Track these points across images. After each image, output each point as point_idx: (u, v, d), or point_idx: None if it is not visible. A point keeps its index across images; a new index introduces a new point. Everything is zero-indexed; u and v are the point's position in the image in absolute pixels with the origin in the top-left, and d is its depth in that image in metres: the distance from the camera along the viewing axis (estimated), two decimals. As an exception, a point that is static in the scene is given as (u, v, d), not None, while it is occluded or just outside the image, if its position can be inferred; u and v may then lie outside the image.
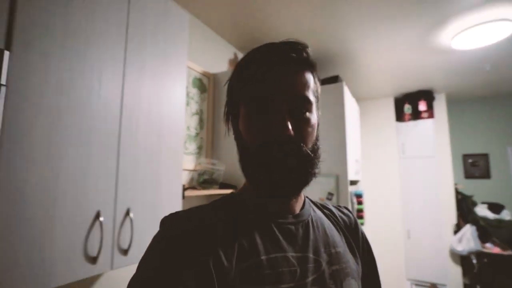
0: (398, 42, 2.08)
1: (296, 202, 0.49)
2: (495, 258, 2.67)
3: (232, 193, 0.51)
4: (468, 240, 2.79)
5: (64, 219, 0.71)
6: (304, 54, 0.44)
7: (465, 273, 2.90)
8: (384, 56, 2.32)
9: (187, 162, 1.61)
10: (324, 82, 2.30)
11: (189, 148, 1.65)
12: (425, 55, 2.28)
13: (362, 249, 0.56)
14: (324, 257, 0.46)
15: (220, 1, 1.61)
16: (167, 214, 0.43)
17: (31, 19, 0.68)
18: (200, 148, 1.73)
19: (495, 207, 3.04)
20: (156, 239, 0.41)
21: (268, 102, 0.42)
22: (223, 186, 1.61)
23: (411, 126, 3.26)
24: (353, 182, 2.49)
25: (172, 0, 1.15)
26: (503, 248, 2.77)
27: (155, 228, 0.87)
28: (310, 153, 0.43)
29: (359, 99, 3.46)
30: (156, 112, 1.02)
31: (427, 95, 3.17)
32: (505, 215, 2.94)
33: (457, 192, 3.13)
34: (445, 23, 1.81)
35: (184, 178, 1.57)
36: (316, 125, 0.47)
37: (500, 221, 2.87)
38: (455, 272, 2.90)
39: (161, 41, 1.07)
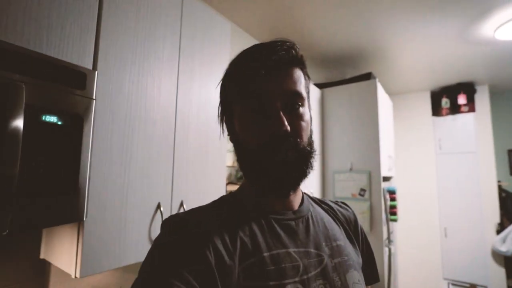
0: (436, 34, 2.02)
1: (295, 198, 0.50)
2: (544, 260, 2.51)
3: (231, 192, 0.52)
4: (512, 240, 2.64)
5: (134, 207, 0.85)
6: (293, 52, 0.45)
7: (509, 275, 2.75)
8: (420, 50, 2.26)
9: (227, 160, 1.73)
10: (356, 79, 2.30)
11: (227, 146, 1.77)
12: (465, 47, 2.19)
13: (362, 242, 0.58)
14: (325, 250, 0.47)
15: (258, 7, 1.69)
16: (172, 214, 0.46)
17: (110, 43, 0.81)
18: (236, 145, 1.84)
19: (545, 207, 2.84)
20: (157, 242, 0.41)
21: (262, 100, 0.43)
22: (258, 181, 1.71)
23: (448, 120, 3.13)
24: (386, 178, 2.47)
25: (215, 11, 1.25)
26: (553, 250, 2.59)
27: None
28: (306, 146, 0.45)
29: (392, 93, 3.38)
30: (204, 115, 1.14)
31: (468, 88, 3.02)
32: (556, 215, 2.74)
33: (501, 190, 2.96)
34: (488, 14, 1.73)
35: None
36: (309, 120, 0.47)
37: (550, 222, 2.68)
38: (498, 274, 2.77)
39: (206, 50, 1.18)
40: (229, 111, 0.49)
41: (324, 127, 2.38)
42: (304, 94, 0.46)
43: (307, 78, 0.49)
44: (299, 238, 0.46)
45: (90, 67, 0.76)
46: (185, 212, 0.46)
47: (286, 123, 0.41)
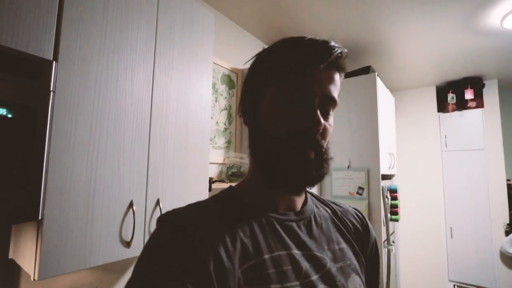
0: (439, 26, 1.92)
1: (299, 199, 0.48)
2: (556, 263, 2.38)
3: (230, 187, 0.49)
4: (522, 241, 2.52)
5: (102, 207, 0.81)
6: (343, 58, 0.44)
7: (518, 278, 2.63)
8: (423, 42, 2.16)
9: (217, 156, 1.68)
10: (354, 73, 2.22)
11: (218, 143, 1.72)
12: (471, 38, 2.08)
13: (370, 251, 0.55)
14: (328, 254, 0.45)
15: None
16: (168, 211, 0.43)
17: (75, 33, 0.77)
18: (229, 142, 1.79)
19: (558, 207, 2.70)
20: (153, 240, 0.39)
21: (303, 92, 0.42)
22: (250, 179, 1.65)
23: (455, 117, 3.00)
24: (387, 177, 2.38)
25: (198, 1, 1.19)
26: None
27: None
28: (328, 151, 0.44)
29: (396, 89, 3.27)
30: (184, 109, 1.09)
31: (475, 83, 2.89)
32: None
33: (510, 188, 2.83)
34: (494, 1, 1.63)
35: (214, 172, 1.64)
36: (332, 127, 0.47)
37: None
38: (507, 276, 2.65)
39: (187, 42, 1.13)
40: (257, 92, 0.46)
41: (322, 123, 2.30)
42: (337, 101, 0.45)
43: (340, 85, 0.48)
44: (301, 240, 0.44)
45: (50, 57, 0.72)
46: (183, 208, 0.43)
47: (322, 122, 0.41)
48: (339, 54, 0.43)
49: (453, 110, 3.01)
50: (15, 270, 0.88)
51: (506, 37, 2.03)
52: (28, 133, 0.63)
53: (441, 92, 3.09)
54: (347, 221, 0.54)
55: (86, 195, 0.77)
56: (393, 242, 2.31)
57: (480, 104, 2.90)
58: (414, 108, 3.25)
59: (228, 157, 1.71)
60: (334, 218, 0.53)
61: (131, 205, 0.88)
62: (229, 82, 1.84)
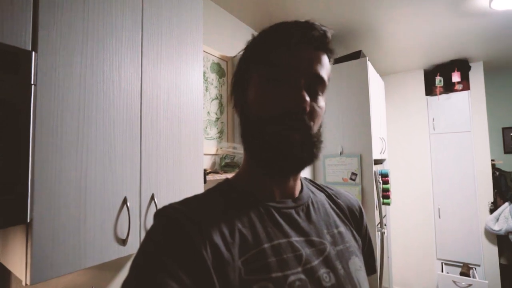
0: (429, 8, 1.91)
1: (295, 185, 0.48)
2: (536, 237, 2.51)
3: (227, 179, 0.49)
4: (506, 219, 2.63)
5: (95, 205, 0.77)
6: (328, 38, 0.43)
7: (501, 254, 2.76)
8: (412, 26, 2.15)
9: (209, 147, 1.65)
10: (346, 58, 2.20)
11: (210, 133, 1.68)
12: (459, 20, 2.08)
13: (364, 232, 0.55)
14: (327, 238, 0.46)
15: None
16: (165, 205, 0.42)
17: (54, 20, 0.71)
18: (221, 132, 1.76)
19: (539, 184, 2.82)
20: (150, 236, 0.38)
21: (286, 72, 0.41)
22: (244, 169, 1.63)
23: (442, 99, 3.05)
24: (378, 161, 2.42)
25: (184, -15, 1.13)
26: (545, 227, 2.59)
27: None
28: (317, 133, 0.44)
29: (385, 73, 3.27)
30: (175, 99, 1.05)
31: (462, 65, 2.92)
32: (549, 192, 2.73)
33: (494, 169, 2.93)
34: (483, -17, 1.62)
35: (207, 163, 1.61)
36: (324, 109, 0.45)
37: (543, 199, 2.67)
38: (491, 253, 2.78)
39: (175, 30, 1.07)
40: (244, 80, 0.46)
41: (313, 110, 2.29)
42: (326, 82, 0.44)
43: (330, 68, 0.47)
44: (300, 226, 0.44)
45: (29, 47, 0.66)
46: (180, 202, 0.43)
47: (308, 100, 0.40)
48: (322, 32, 0.42)
49: (440, 93, 3.05)
50: (5, 274, 0.84)
51: (494, 18, 2.04)
52: (10, 131, 0.58)
53: (429, 76, 3.12)
54: (342, 204, 0.55)
55: (77, 194, 0.73)
56: (385, 225, 2.36)
57: (466, 87, 2.95)
58: (402, 92, 3.27)
59: (221, 148, 1.68)
60: (330, 202, 0.54)
61: (125, 201, 0.84)
62: (219, 71, 1.79)
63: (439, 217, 3.03)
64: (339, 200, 0.55)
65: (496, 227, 2.66)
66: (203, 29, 1.20)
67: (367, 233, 0.57)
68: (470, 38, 2.41)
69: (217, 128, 1.74)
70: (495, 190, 2.87)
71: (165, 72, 1.02)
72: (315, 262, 0.41)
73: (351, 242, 0.49)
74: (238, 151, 1.65)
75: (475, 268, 2.81)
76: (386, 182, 2.27)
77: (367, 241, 0.56)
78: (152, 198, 0.93)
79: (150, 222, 0.92)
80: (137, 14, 0.93)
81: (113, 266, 1.12)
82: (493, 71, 3.22)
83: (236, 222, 0.40)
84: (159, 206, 0.94)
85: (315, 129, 0.43)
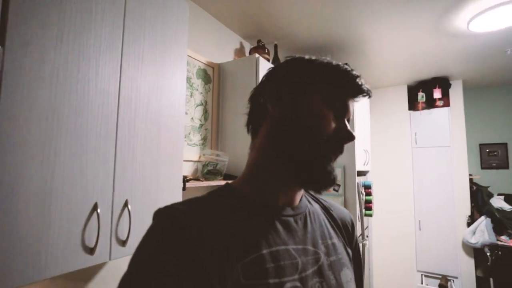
0: (411, 27, 1.98)
1: (299, 195, 0.50)
2: (510, 251, 2.58)
3: (227, 183, 0.50)
4: (482, 232, 2.70)
5: (60, 210, 0.72)
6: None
7: (477, 266, 2.82)
8: (396, 43, 2.22)
9: (192, 153, 1.61)
10: (332, 70, 2.23)
11: (194, 140, 1.65)
12: (440, 39, 2.17)
13: (354, 245, 0.57)
14: (322, 248, 0.47)
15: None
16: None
17: (25, 14, 0.67)
18: (204, 139, 1.73)
19: (512, 199, 2.92)
20: (149, 233, 0.39)
21: (345, 108, 0.47)
22: (227, 177, 1.61)
23: (424, 115, 3.14)
24: (362, 173, 2.44)
25: (170, -12, 1.12)
26: (519, 241, 2.67)
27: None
28: None
29: (370, 87, 3.35)
30: (155, 102, 1.02)
31: (443, 82, 3.03)
32: (523, 207, 2.83)
33: (472, 183, 3.02)
34: (462, 4, 1.70)
35: (189, 170, 1.57)
36: None
37: (517, 213, 2.76)
38: (468, 265, 2.83)
39: (159, 32, 1.05)
40: (297, 91, 0.48)
41: (299, 120, 2.30)
42: None
43: None
44: (298, 235, 0.45)
45: (-5, 41, 0.62)
46: (182, 203, 0.43)
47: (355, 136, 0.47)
48: (366, 95, 0.49)
49: (422, 109, 3.14)
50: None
51: (472, 39, 2.14)
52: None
53: (412, 91, 3.22)
54: (336, 216, 0.56)
55: (40, 198, 0.68)
56: (367, 236, 2.37)
57: (446, 103, 3.05)
58: (387, 106, 3.36)
59: (203, 155, 1.64)
60: (325, 213, 0.55)
61: (95, 207, 0.80)
62: (205, 77, 1.77)
63: (420, 229, 3.08)
64: (333, 213, 0.57)
65: (472, 240, 2.72)
66: (190, 35, 1.19)
67: (356, 247, 0.58)
68: (450, 57, 2.51)
69: (201, 135, 1.71)
70: (472, 204, 2.95)
71: (146, 74, 0.99)
72: (310, 271, 0.43)
73: (343, 254, 0.50)
74: (221, 158, 1.62)
75: (453, 280, 2.85)
76: (369, 194, 2.29)
77: (356, 255, 0.57)
78: (126, 204, 0.89)
79: (122, 229, 0.88)
80: (119, 11, 0.90)
81: (81, 276, 1.05)
82: (471, 89, 3.36)
83: (236, 226, 0.41)
84: (134, 213, 0.90)
85: None
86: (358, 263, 0.57)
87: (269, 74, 0.52)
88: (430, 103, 3.10)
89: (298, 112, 0.46)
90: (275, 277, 0.38)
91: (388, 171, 3.28)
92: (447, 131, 3.03)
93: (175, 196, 1.07)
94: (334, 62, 0.50)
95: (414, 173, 3.17)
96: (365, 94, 0.49)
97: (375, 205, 3.18)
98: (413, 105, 3.22)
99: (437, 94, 3.02)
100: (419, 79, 3.11)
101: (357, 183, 2.06)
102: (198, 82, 1.71)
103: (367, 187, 2.27)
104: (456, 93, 3.08)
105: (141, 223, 0.93)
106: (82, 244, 0.77)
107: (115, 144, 0.87)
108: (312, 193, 0.58)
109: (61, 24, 0.75)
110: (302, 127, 0.46)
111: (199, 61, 1.71)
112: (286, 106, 0.47)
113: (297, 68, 0.50)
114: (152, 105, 1.00)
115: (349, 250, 0.54)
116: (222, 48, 1.95)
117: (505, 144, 3.24)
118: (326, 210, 0.56)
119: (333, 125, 0.46)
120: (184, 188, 1.16)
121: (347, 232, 0.56)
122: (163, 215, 0.40)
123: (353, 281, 0.49)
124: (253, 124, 0.52)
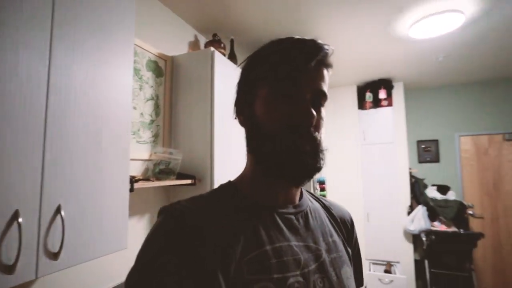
0: (361, 31, 2.09)
1: (297, 192, 0.50)
2: (441, 235, 2.91)
3: (230, 182, 0.51)
4: (419, 220, 3.00)
5: (-33, 222, 0.59)
6: (330, 56, 0.48)
7: (415, 250, 3.14)
8: (348, 44, 2.33)
9: (141, 152, 1.49)
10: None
11: (143, 137, 1.52)
12: (386, 44, 2.33)
13: (354, 243, 0.58)
14: (323, 245, 0.48)
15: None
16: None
17: None
18: (156, 136, 1.61)
19: (443, 189, 3.30)
20: (153, 233, 0.40)
21: (295, 88, 0.44)
22: (181, 176, 1.51)
23: (371, 113, 3.38)
24: (316, 169, 2.52)
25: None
26: (448, 226, 3.03)
27: (95, 226, 0.77)
28: (322, 143, 0.46)
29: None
30: (96, 93, 0.90)
31: (387, 84, 3.29)
32: (450, 195, 3.21)
33: (411, 176, 3.34)
34: (404, 12, 1.84)
35: (137, 169, 1.45)
36: (325, 119, 0.49)
37: (446, 201, 3.13)
38: (408, 250, 3.12)
39: (100, 14, 0.93)
40: (250, 93, 0.48)
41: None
42: (327, 95, 0.47)
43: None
44: (300, 232, 0.46)
45: None
46: (187, 200, 0.45)
47: (315, 114, 0.43)
48: (327, 52, 0.46)
49: (370, 108, 3.37)
50: None
51: (411, 45, 2.34)
52: None
53: (361, 91, 3.44)
54: (336, 215, 0.57)
55: None
56: (321, 230, 2.46)
57: (390, 103, 3.32)
58: (339, 105, 3.53)
59: (155, 153, 1.53)
60: (325, 212, 0.56)
61: (15, 216, 0.67)
62: (156, 69, 1.65)
63: (368, 221, 3.31)
64: (333, 212, 0.57)
65: (411, 228, 3.01)
66: (141, 24, 1.08)
67: (356, 245, 0.59)
68: (393, 60, 2.72)
69: (152, 132, 1.58)
70: (412, 195, 3.26)
71: (83, 60, 0.86)
72: (312, 267, 0.43)
73: (343, 251, 0.51)
74: (175, 156, 1.52)
75: (396, 265, 3.12)
76: (323, 189, 2.38)
77: (356, 253, 0.58)
78: (58, 210, 0.76)
79: (53, 240, 0.75)
80: (46, -12, 0.77)
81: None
82: (411, 91, 3.70)
83: (240, 224, 0.42)
84: (69, 219, 0.78)
85: (320, 138, 0.46)
86: (358, 261, 0.58)
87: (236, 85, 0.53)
88: (376, 103, 3.34)
89: (255, 114, 0.47)
90: (278, 272, 0.39)
91: (340, 167, 3.46)
92: (390, 129, 3.30)
93: (121, 198, 0.96)
94: (277, 40, 0.48)
95: (363, 168, 3.39)
96: (319, 50, 0.45)
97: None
98: (362, 104, 3.44)
99: (382, 94, 3.27)
100: (367, 80, 3.33)
101: (312, 179, 2.12)
102: (148, 75, 1.58)
103: (321, 183, 2.36)
104: (398, 94, 3.36)
105: (79, 231, 0.81)
106: (-1, 260, 0.63)
107: (43, 141, 0.74)
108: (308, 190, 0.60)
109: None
110: (257, 128, 0.46)
111: (149, 52, 1.58)
112: (247, 113, 0.49)
113: (246, 69, 0.50)
114: (92, 97, 0.88)
115: (349, 249, 0.54)
116: (175, 40, 1.84)
117: (436, 141, 3.64)
118: (326, 209, 0.57)
119: (288, 113, 0.43)
120: (132, 190, 1.05)
121: (346, 231, 0.57)
122: (167, 214, 0.41)
123: (352, 278, 0.50)
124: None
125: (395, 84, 3.35)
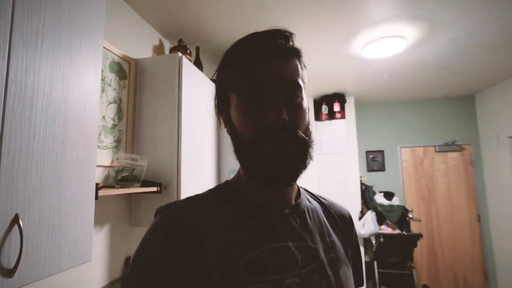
0: (318, 48, 2.26)
1: (292, 192, 0.50)
2: (389, 237, 3.20)
3: (227, 182, 0.51)
4: (369, 224, 3.26)
5: None
6: (291, 42, 0.45)
7: (365, 253, 3.38)
8: (307, 59, 2.43)
9: (103, 157, 1.38)
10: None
11: (105, 142, 1.42)
12: (340, 61, 2.55)
13: (353, 243, 0.57)
14: (321, 245, 0.47)
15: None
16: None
17: None
18: (118, 141, 1.51)
19: (388, 195, 3.64)
20: (151, 232, 0.40)
21: (261, 90, 0.42)
22: (146, 183, 1.44)
23: (327, 125, 3.62)
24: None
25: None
26: (393, 228, 3.34)
27: (58, 236, 0.71)
28: (304, 136, 0.43)
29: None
30: (61, 92, 0.83)
31: (340, 98, 3.57)
32: (395, 201, 3.56)
33: (362, 184, 3.63)
34: (359, 32, 2.04)
35: (99, 176, 1.34)
36: (307, 110, 0.46)
37: (391, 206, 3.46)
38: (359, 252, 3.35)
39: (69, 7, 0.87)
40: (225, 102, 0.47)
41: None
42: (301, 84, 0.45)
43: (303, 67, 0.48)
44: (297, 232, 0.46)
45: None
46: (184, 201, 0.44)
47: (284, 112, 0.40)
48: (283, 40, 0.44)
49: (325, 119, 3.61)
50: None
51: (363, 63, 2.60)
52: None
53: (318, 103, 3.67)
54: (335, 214, 0.56)
55: None
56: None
57: (343, 116, 3.60)
58: (297, 116, 3.71)
59: (117, 159, 1.43)
60: (324, 211, 0.55)
61: (-34, 227, 0.58)
62: (120, 71, 1.57)
63: (324, 226, 3.48)
64: (332, 211, 0.57)
65: (362, 231, 3.25)
66: (105, 23, 1.03)
67: (355, 244, 0.58)
68: (346, 76, 2.98)
69: (114, 136, 1.49)
70: (362, 201, 3.54)
71: (47, 55, 0.80)
72: (309, 267, 0.43)
73: (341, 251, 0.50)
74: (139, 163, 1.45)
75: (349, 268, 3.32)
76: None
77: (356, 252, 0.57)
78: (16, 220, 0.68)
79: (9, 254, 0.66)
80: (11, -25, 0.70)
81: None
82: (361, 105, 4.07)
83: (236, 225, 0.42)
84: (27, 231, 0.70)
85: (301, 131, 0.43)
86: (357, 260, 0.57)
87: None
88: (331, 115, 3.59)
89: (232, 123, 0.46)
90: (275, 273, 0.39)
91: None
92: (343, 139, 3.56)
93: (86, 206, 0.88)
94: (237, 41, 0.46)
95: (319, 177, 3.58)
96: (274, 41, 0.42)
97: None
98: (318, 116, 3.66)
99: (336, 107, 3.53)
100: (323, 93, 3.57)
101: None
102: (111, 77, 1.50)
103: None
104: (350, 107, 3.66)
105: (39, 243, 0.72)
106: None
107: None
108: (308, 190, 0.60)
109: None
110: (235, 136, 0.46)
111: (113, 52, 1.50)
112: (226, 122, 0.49)
113: (217, 77, 0.49)
114: (57, 96, 0.81)
115: (348, 248, 0.53)
116: (139, 43, 1.78)
117: (382, 151, 4.03)
118: (325, 208, 0.56)
119: (258, 119, 0.41)
120: (96, 197, 0.97)
121: (345, 229, 0.56)
122: (165, 213, 0.41)
123: (351, 278, 0.49)
124: None
125: (347, 98, 3.65)
